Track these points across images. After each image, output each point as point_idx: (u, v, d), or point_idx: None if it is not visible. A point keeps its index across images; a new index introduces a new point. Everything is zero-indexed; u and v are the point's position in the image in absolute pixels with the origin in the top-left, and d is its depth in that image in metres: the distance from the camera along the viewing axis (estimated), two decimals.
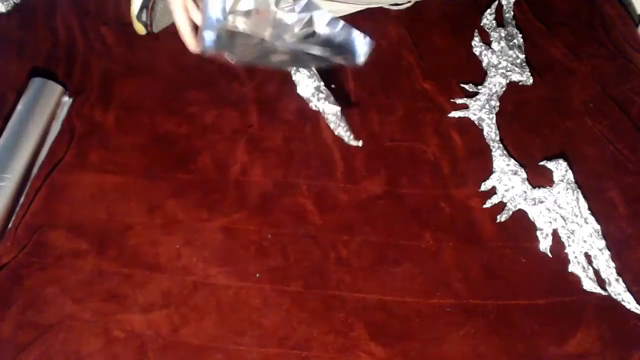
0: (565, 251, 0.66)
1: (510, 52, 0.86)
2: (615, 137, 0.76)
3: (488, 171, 0.73)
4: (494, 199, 0.71)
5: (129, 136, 0.79)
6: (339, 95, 0.82)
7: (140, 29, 0.90)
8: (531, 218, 0.69)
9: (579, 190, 0.70)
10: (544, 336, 0.60)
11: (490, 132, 0.77)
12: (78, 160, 0.76)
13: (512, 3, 0.94)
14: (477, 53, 0.87)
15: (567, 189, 0.70)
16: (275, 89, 0.83)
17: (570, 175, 0.72)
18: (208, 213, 0.70)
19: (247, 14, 0.66)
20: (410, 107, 0.81)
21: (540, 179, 0.72)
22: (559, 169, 0.72)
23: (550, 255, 0.66)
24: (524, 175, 0.73)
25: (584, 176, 0.72)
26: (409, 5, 0.93)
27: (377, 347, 0.60)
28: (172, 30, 0.92)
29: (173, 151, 0.77)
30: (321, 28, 0.68)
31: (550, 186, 0.71)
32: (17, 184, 0.73)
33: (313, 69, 0.74)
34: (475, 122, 0.79)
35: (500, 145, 0.76)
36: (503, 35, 0.89)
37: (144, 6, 0.88)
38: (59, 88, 0.82)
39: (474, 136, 0.77)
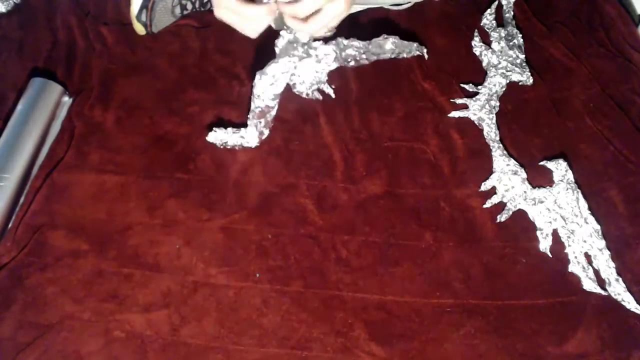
0: (565, 251, 0.66)
1: (510, 52, 0.86)
2: (615, 137, 0.75)
3: (488, 171, 0.73)
4: (494, 199, 0.71)
5: (129, 136, 0.79)
6: (340, 95, 0.82)
7: (139, 29, 0.90)
8: (531, 218, 0.69)
9: (579, 190, 0.70)
10: (544, 336, 0.60)
11: (490, 132, 0.77)
12: (78, 160, 0.76)
13: (512, 3, 0.93)
14: (477, 53, 0.87)
15: (567, 189, 0.70)
16: None
17: (570, 175, 0.72)
18: (208, 213, 0.70)
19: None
20: (410, 107, 0.81)
21: (540, 179, 0.72)
22: (559, 169, 0.72)
23: (550, 255, 0.66)
24: (524, 175, 0.73)
25: (584, 176, 0.72)
26: (409, 5, 0.93)
27: (377, 347, 0.60)
28: (172, 30, 0.92)
29: (173, 151, 0.77)
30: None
31: (550, 186, 0.71)
32: (17, 184, 0.73)
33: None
34: (475, 122, 0.78)
35: (500, 145, 0.76)
36: (503, 35, 0.89)
37: (143, 6, 0.88)
38: (59, 88, 0.82)
39: (474, 136, 0.77)
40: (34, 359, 0.59)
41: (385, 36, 0.77)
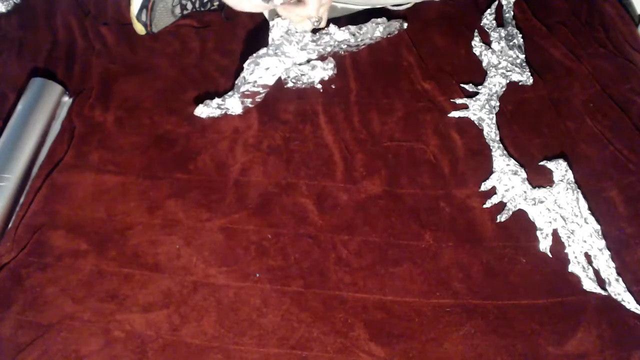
0: (565, 251, 0.66)
1: (510, 52, 0.86)
2: (615, 137, 0.76)
3: (488, 171, 0.73)
4: (494, 199, 0.71)
5: (129, 136, 0.79)
6: (340, 95, 0.83)
7: (140, 29, 0.90)
8: (531, 218, 0.69)
9: (579, 190, 0.70)
10: (544, 336, 0.60)
11: (490, 132, 0.77)
12: (78, 160, 0.76)
13: (512, 3, 0.94)
14: (477, 53, 0.87)
15: (567, 189, 0.70)
16: (275, 89, 0.83)
17: (570, 175, 0.72)
18: (208, 213, 0.70)
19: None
20: (410, 107, 0.81)
21: (540, 179, 0.72)
22: (559, 169, 0.72)
23: (550, 255, 0.66)
24: (524, 175, 0.73)
25: (584, 176, 0.72)
26: (409, 5, 0.93)
27: (377, 347, 0.60)
28: (172, 30, 0.93)
29: (173, 151, 0.77)
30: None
31: (550, 186, 0.71)
32: (17, 184, 0.73)
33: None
34: (475, 122, 0.79)
35: (500, 145, 0.76)
36: (503, 35, 0.89)
37: (143, 6, 0.88)
38: (59, 88, 0.82)
39: (474, 136, 0.77)
40: (34, 359, 0.59)
41: (373, 21, 0.84)
